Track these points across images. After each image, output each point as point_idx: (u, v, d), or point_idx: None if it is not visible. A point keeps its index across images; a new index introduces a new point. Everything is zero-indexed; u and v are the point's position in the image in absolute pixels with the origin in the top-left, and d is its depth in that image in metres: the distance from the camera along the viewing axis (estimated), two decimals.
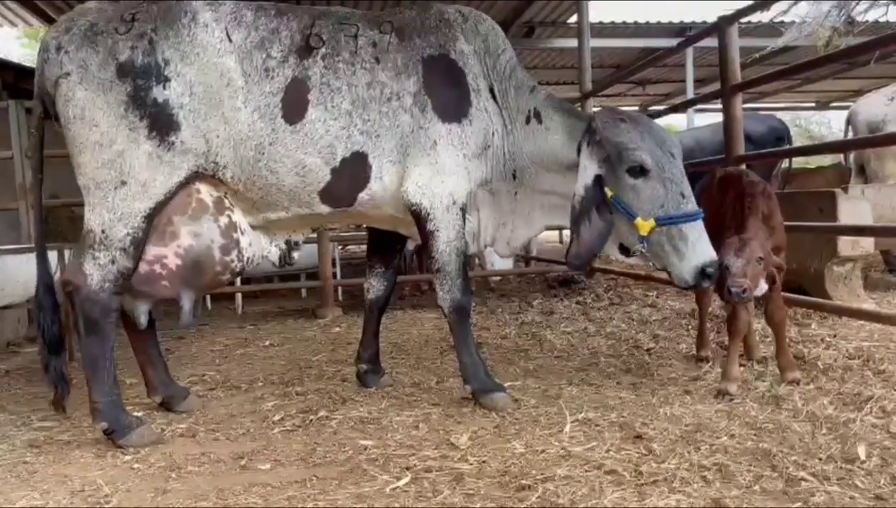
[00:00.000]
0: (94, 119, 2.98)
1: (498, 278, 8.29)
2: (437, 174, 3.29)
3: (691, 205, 3.21)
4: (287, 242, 3.53)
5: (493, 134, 3.43)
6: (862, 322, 4.41)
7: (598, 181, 3.23)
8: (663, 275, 6.74)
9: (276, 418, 3.29)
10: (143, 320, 3.23)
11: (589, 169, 3.25)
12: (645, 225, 3.18)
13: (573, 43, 9.60)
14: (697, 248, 3.16)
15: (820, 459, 2.45)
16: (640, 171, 3.19)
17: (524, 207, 3.61)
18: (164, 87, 3.01)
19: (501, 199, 3.59)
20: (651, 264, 3.32)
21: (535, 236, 3.82)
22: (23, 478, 2.70)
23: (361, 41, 3.30)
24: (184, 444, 3.02)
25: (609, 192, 3.22)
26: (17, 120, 6.13)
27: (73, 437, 3.18)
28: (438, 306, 3.44)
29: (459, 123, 3.33)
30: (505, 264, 7.93)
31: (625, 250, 3.40)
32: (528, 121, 3.47)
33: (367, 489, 2.44)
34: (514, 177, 3.53)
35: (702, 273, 3.14)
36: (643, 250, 3.23)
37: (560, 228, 4.04)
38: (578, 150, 3.31)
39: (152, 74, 3.00)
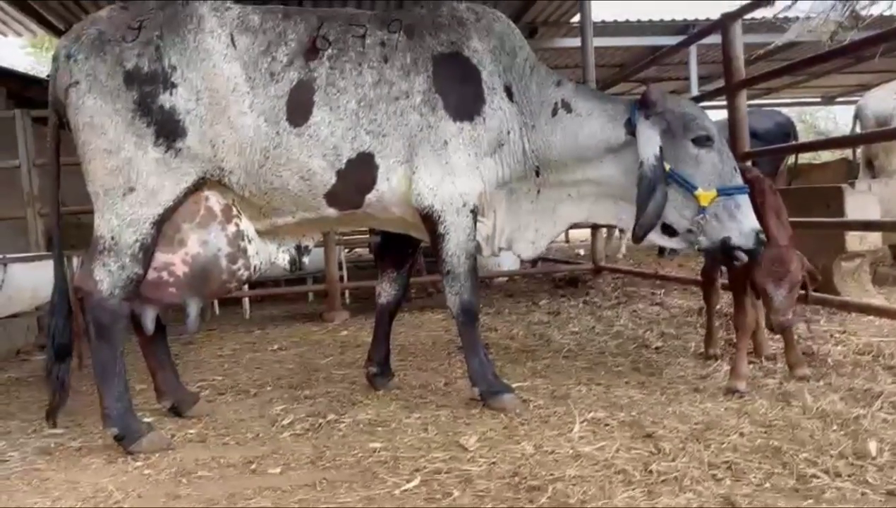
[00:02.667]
0: (103, 126, 3.00)
1: (504, 278, 8.29)
2: (448, 175, 3.27)
3: (740, 178, 3.30)
4: (297, 247, 3.53)
5: (508, 133, 3.39)
6: (871, 317, 4.39)
7: (661, 152, 3.25)
8: (670, 273, 6.73)
9: (286, 422, 3.30)
10: (149, 326, 3.23)
11: (653, 138, 3.25)
12: (707, 195, 3.23)
13: (576, 42, 9.59)
14: (751, 216, 3.25)
15: (831, 456, 2.45)
16: (705, 141, 3.26)
17: (548, 204, 3.59)
18: (171, 94, 3.02)
19: (521, 199, 3.57)
20: (695, 243, 3.34)
21: (560, 233, 3.81)
22: (34, 486, 2.71)
23: (369, 41, 3.29)
24: (194, 449, 3.03)
25: (666, 165, 3.25)
26: (24, 129, 6.15)
27: (83, 444, 3.19)
28: (446, 307, 3.44)
29: (472, 122, 3.30)
30: (512, 264, 7.93)
31: (668, 230, 3.40)
32: (554, 112, 3.43)
33: (377, 491, 2.44)
34: (538, 174, 3.51)
35: (757, 238, 3.21)
36: (702, 222, 3.25)
37: (585, 226, 4.05)
38: (628, 127, 3.33)
39: (159, 81, 3.01)
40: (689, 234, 3.33)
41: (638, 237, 3.36)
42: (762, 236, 3.22)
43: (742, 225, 3.23)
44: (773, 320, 3.18)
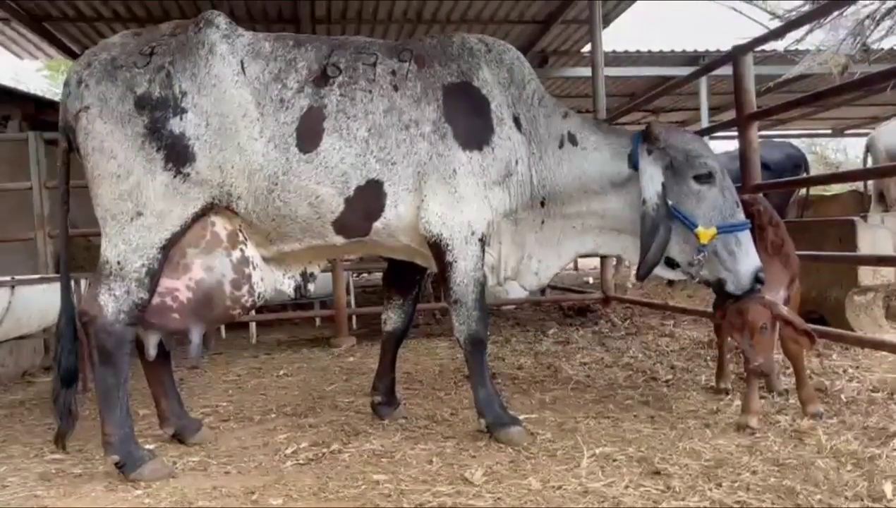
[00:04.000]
0: (113, 151, 3.00)
1: (512, 306, 8.24)
2: (456, 203, 3.26)
3: (742, 214, 3.30)
4: (303, 274, 3.51)
5: (516, 162, 3.39)
6: (885, 353, 4.32)
7: (663, 188, 3.24)
8: (680, 303, 6.67)
9: (289, 451, 3.25)
10: (152, 352, 3.20)
11: (655, 176, 3.26)
12: (707, 233, 3.23)
13: (587, 72, 9.63)
14: (751, 254, 3.25)
15: (846, 497, 2.38)
16: (707, 178, 3.26)
17: (553, 235, 3.58)
18: (181, 119, 3.03)
19: (526, 229, 3.56)
20: (696, 277, 3.34)
21: (565, 265, 3.81)
22: None
23: (380, 69, 3.30)
24: (195, 478, 2.98)
25: (668, 201, 3.25)
26: (37, 151, 6.20)
27: (84, 470, 3.15)
28: (453, 337, 3.40)
29: (481, 151, 3.30)
30: (520, 292, 7.88)
31: (671, 263, 3.40)
32: (561, 145, 3.45)
33: None
34: (543, 204, 3.51)
35: (756, 278, 3.21)
36: (702, 259, 3.25)
37: (592, 255, 4.06)
38: (631, 161, 3.35)
39: (169, 106, 3.02)
40: (691, 267, 3.34)
41: (641, 276, 3.36)
42: (762, 275, 3.21)
43: (739, 266, 3.23)
44: (746, 367, 3.21)
